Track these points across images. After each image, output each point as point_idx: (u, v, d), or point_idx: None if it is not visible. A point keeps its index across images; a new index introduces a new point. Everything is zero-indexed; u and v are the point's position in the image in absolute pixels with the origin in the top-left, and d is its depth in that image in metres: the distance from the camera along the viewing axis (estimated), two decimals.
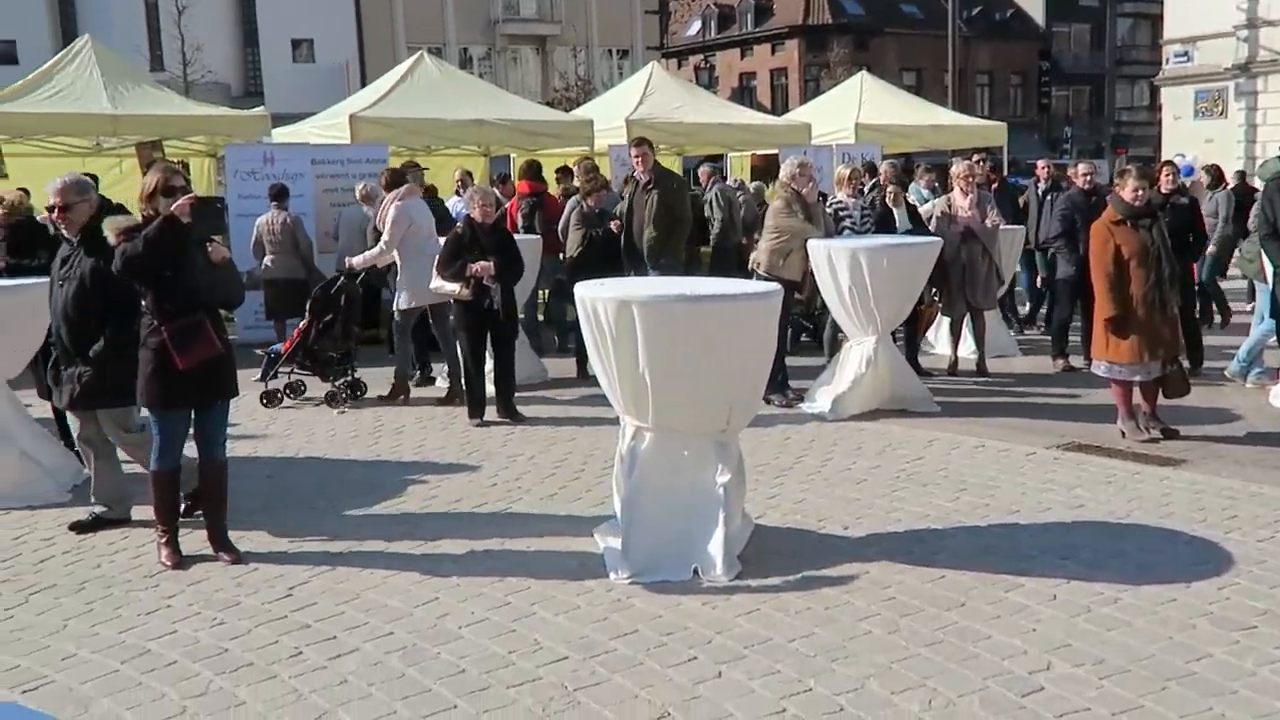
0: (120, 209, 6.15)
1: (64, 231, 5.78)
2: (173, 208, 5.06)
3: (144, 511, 5.76)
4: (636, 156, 9.48)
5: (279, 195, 11.50)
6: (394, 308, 9.45)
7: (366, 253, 9.31)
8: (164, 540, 5.42)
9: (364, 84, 30.62)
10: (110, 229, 5.22)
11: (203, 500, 5.48)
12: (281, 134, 14.72)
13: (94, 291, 5.58)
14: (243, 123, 13.79)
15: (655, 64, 18.62)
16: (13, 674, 4.23)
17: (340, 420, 8.67)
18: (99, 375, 5.64)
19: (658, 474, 5.16)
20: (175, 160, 14.41)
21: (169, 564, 5.33)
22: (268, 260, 11.37)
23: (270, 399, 9.13)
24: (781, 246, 8.33)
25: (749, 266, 8.91)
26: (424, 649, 4.34)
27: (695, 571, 5.02)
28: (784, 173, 8.33)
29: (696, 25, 55.84)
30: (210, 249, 5.30)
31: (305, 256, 11.45)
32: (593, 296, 4.95)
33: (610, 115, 15.75)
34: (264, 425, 8.44)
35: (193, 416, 5.41)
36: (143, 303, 5.25)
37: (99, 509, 6.00)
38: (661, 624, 4.53)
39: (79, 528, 5.90)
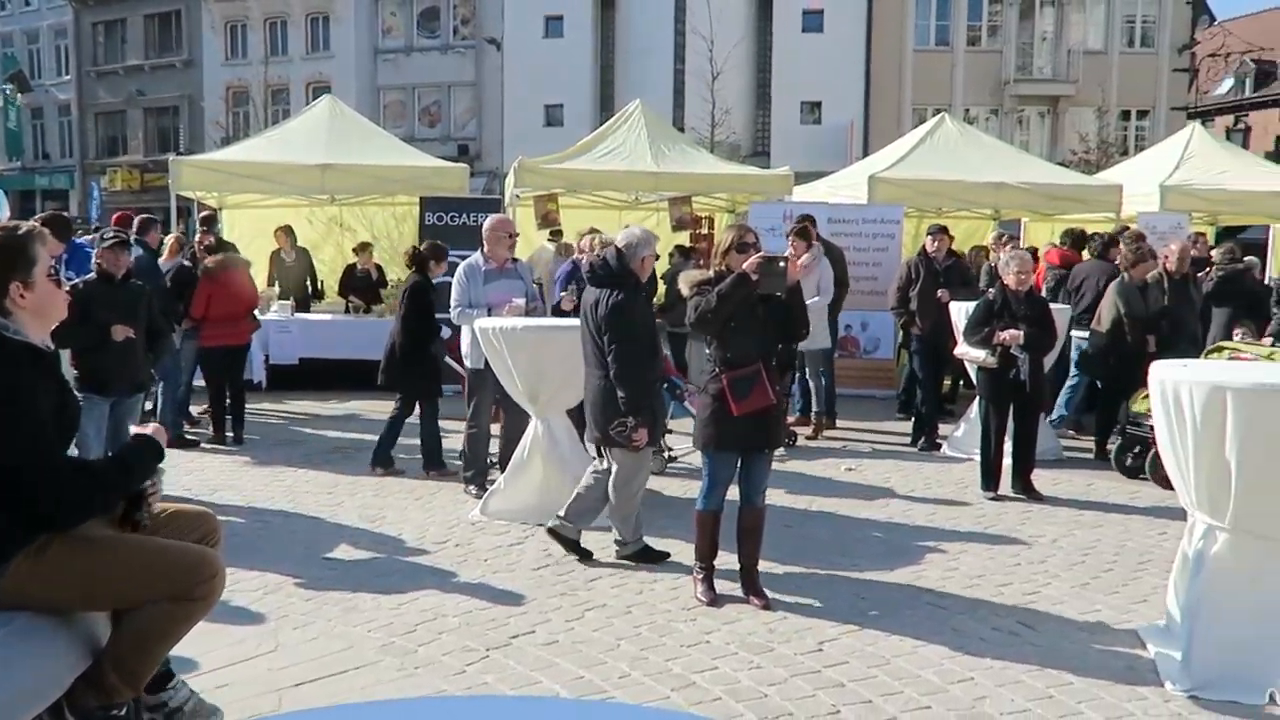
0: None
1: None
2: (744, 265, 5.35)
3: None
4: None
5: None
6: None
7: None
8: (701, 577, 5.70)
9: (866, 144, 31.16)
10: (684, 282, 5.60)
11: (740, 544, 5.69)
12: (797, 192, 15.20)
13: None
14: (768, 181, 14.42)
15: (1196, 125, 17.18)
16: (578, 683, 4.60)
17: (850, 476, 8.72)
18: None
19: (1230, 582, 4.62)
20: (701, 215, 15.48)
21: (704, 600, 5.59)
22: None
23: None
24: None
25: None
26: None
27: (1270, 697, 4.44)
28: None
29: (1229, 83, 51.05)
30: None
31: None
32: (1175, 379, 4.56)
33: (1140, 180, 14.72)
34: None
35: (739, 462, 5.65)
36: (707, 351, 5.57)
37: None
38: None
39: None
